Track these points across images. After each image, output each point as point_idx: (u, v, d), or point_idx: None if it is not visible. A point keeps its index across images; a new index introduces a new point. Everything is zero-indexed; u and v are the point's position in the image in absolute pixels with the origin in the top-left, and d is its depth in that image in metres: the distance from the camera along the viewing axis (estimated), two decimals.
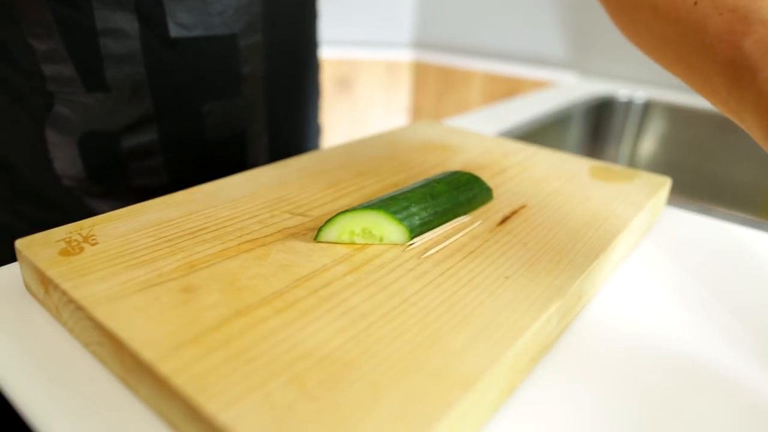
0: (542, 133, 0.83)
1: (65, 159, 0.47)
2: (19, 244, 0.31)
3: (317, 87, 0.66)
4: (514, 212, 0.39)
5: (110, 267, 0.30)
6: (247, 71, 0.52)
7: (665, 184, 0.46)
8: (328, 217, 0.36)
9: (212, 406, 0.21)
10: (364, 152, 0.50)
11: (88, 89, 0.45)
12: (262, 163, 0.58)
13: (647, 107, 0.98)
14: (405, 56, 1.47)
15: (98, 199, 0.50)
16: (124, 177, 0.49)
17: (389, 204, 0.34)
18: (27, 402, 0.25)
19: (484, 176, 0.45)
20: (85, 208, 0.50)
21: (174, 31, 0.46)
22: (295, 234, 0.35)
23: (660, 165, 0.99)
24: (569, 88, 1.03)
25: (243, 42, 0.50)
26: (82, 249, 0.31)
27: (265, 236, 0.34)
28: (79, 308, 0.27)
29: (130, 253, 0.31)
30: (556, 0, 1.13)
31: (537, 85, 1.16)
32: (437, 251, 0.33)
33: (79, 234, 0.33)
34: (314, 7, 0.60)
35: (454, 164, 0.48)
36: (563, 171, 0.48)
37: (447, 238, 0.35)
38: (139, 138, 0.48)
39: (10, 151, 0.48)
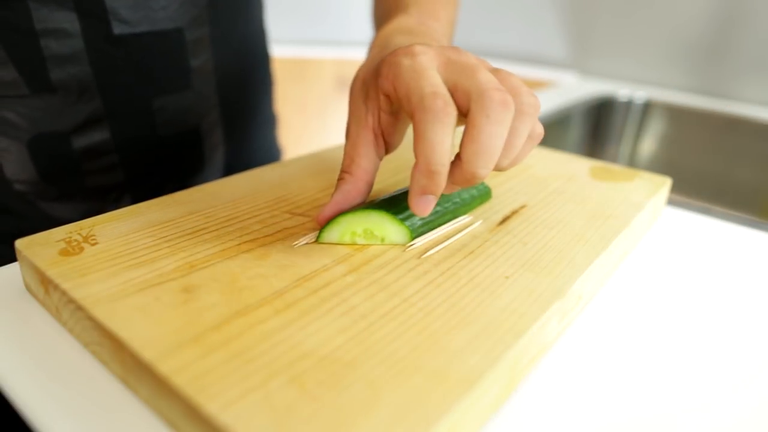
0: None
1: (15, 163, 0.46)
2: (19, 244, 0.31)
3: (269, 77, 0.65)
4: (514, 212, 0.39)
5: (110, 267, 0.30)
6: (196, 64, 0.51)
7: (665, 184, 0.46)
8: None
9: (212, 406, 0.21)
10: None
11: (33, 91, 0.44)
12: (219, 155, 0.58)
13: (647, 107, 0.98)
14: None
15: (53, 201, 0.49)
16: (78, 178, 0.48)
17: (390, 205, 0.34)
18: (27, 402, 0.25)
19: None
20: (40, 212, 0.49)
21: (117, 29, 0.45)
22: (295, 234, 0.35)
23: (660, 165, 0.99)
24: (569, 88, 1.03)
25: (190, 35, 0.49)
26: (82, 249, 0.31)
27: (265, 236, 0.34)
28: (79, 308, 0.27)
29: (130, 253, 0.31)
30: (556, 0, 1.13)
31: (537, 85, 1.16)
32: (437, 251, 0.33)
33: (79, 234, 0.33)
34: None
35: None
36: (563, 171, 0.48)
37: (447, 238, 0.35)
38: (90, 138, 0.47)
39: None
